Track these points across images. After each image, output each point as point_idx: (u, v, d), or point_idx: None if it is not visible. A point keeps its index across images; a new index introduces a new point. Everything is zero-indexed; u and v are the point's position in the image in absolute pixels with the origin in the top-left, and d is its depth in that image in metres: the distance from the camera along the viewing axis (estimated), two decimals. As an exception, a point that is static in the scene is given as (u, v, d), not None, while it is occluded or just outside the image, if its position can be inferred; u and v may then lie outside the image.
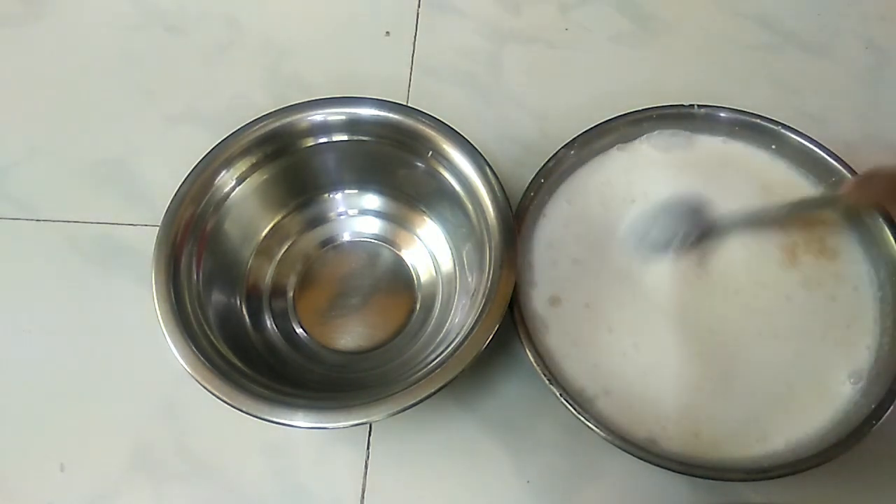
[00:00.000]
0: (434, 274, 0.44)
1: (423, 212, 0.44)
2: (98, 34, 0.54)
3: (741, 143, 0.44)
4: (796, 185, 0.43)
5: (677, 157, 0.44)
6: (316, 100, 0.41)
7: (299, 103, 0.41)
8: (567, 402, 0.36)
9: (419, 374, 0.34)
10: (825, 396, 0.37)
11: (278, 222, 0.44)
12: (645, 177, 0.43)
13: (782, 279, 0.40)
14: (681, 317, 0.40)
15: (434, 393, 0.33)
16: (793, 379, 0.38)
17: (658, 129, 0.44)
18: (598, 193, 0.43)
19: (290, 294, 0.43)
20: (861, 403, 0.36)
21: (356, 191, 0.45)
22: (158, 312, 0.36)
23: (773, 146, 0.43)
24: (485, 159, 0.39)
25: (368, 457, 0.40)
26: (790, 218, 0.41)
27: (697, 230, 0.41)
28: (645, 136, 0.44)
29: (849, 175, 0.41)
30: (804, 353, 0.39)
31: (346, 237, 0.45)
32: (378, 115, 0.41)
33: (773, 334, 0.39)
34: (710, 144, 0.44)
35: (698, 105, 0.44)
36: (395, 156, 0.42)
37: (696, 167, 0.44)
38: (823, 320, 0.39)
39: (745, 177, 0.43)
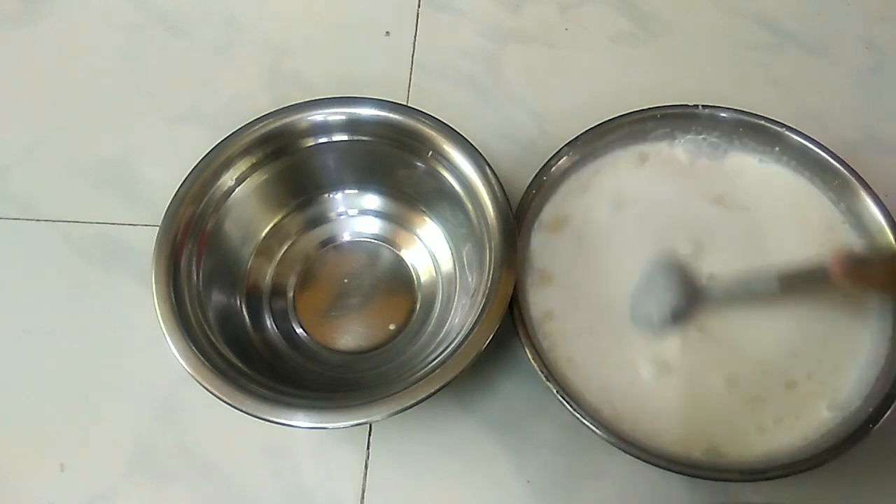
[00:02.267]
0: (434, 274, 0.44)
1: (423, 212, 0.44)
2: (98, 34, 0.54)
3: (778, 166, 0.43)
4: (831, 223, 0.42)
5: (697, 167, 0.44)
6: (316, 100, 0.41)
7: (299, 103, 0.41)
8: (567, 402, 0.36)
9: (419, 374, 0.34)
10: (826, 399, 0.37)
11: (278, 222, 0.44)
12: (651, 181, 0.43)
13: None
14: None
15: (434, 393, 0.33)
16: (795, 381, 0.38)
17: (687, 135, 0.44)
18: (601, 194, 0.43)
19: (290, 294, 0.43)
20: (860, 407, 0.36)
21: (356, 191, 0.45)
22: (158, 312, 0.36)
23: (777, 148, 0.43)
24: (485, 159, 0.39)
25: (368, 457, 0.40)
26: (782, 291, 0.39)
27: (686, 300, 0.39)
28: (667, 140, 0.44)
29: (853, 179, 0.41)
30: (805, 355, 0.39)
31: (346, 237, 0.45)
32: (378, 115, 0.41)
33: (773, 337, 0.39)
34: (743, 162, 0.44)
35: (702, 105, 0.44)
36: (395, 156, 0.42)
37: (712, 181, 0.43)
38: (825, 324, 0.39)
39: (762, 199, 0.42)
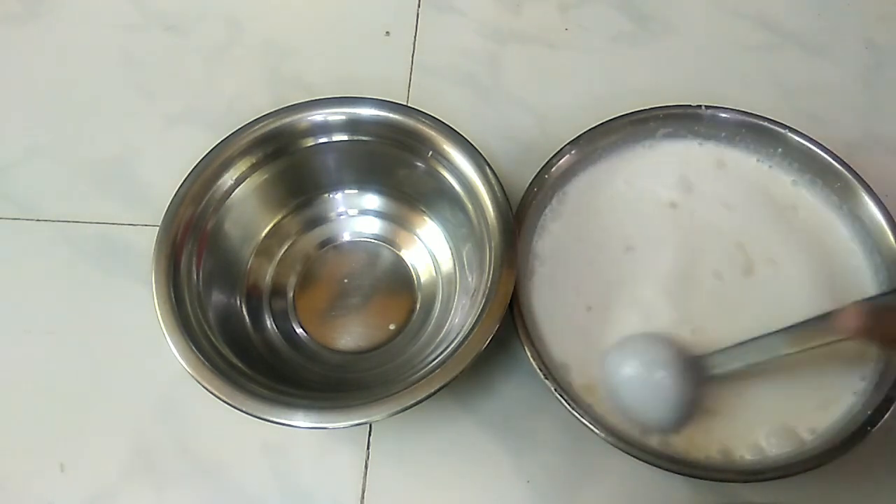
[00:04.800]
0: (434, 274, 0.44)
1: (423, 212, 0.44)
2: (98, 34, 0.54)
3: (807, 191, 0.42)
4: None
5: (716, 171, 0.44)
6: (316, 100, 0.41)
7: (299, 103, 0.41)
8: (567, 402, 0.36)
9: (419, 374, 0.34)
10: (829, 402, 0.37)
11: (278, 222, 0.44)
12: (653, 180, 0.43)
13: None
14: (684, 316, 0.40)
15: (434, 393, 0.33)
16: (797, 383, 0.38)
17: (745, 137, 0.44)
18: (602, 193, 0.43)
19: (290, 294, 0.43)
20: (859, 409, 0.36)
21: (356, 191, 0.45)
22: (158, 312, 0.35)
23: (780, 150, 0.43)
24: (485, 159, 0.39)
25: (368, 457, 0.40)
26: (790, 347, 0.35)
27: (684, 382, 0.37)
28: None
29: (854, 181, 0.41)
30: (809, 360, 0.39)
31: (346, 237, 0.45)
32: (378, 115, 0.41)
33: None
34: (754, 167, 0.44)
35: (705, 105, 0.44)
36: (395, 156, 0.42)
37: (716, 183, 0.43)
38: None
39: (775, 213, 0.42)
